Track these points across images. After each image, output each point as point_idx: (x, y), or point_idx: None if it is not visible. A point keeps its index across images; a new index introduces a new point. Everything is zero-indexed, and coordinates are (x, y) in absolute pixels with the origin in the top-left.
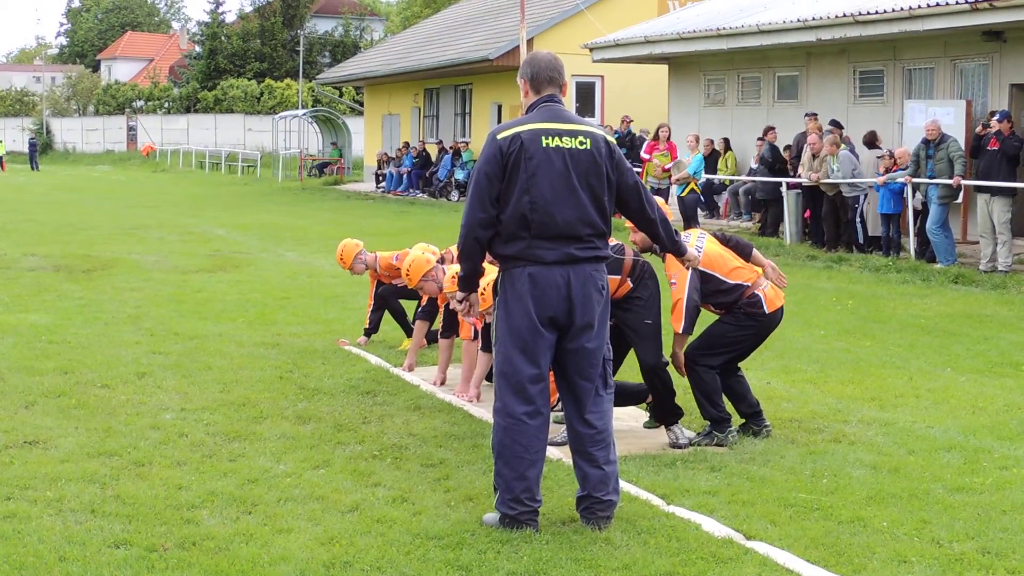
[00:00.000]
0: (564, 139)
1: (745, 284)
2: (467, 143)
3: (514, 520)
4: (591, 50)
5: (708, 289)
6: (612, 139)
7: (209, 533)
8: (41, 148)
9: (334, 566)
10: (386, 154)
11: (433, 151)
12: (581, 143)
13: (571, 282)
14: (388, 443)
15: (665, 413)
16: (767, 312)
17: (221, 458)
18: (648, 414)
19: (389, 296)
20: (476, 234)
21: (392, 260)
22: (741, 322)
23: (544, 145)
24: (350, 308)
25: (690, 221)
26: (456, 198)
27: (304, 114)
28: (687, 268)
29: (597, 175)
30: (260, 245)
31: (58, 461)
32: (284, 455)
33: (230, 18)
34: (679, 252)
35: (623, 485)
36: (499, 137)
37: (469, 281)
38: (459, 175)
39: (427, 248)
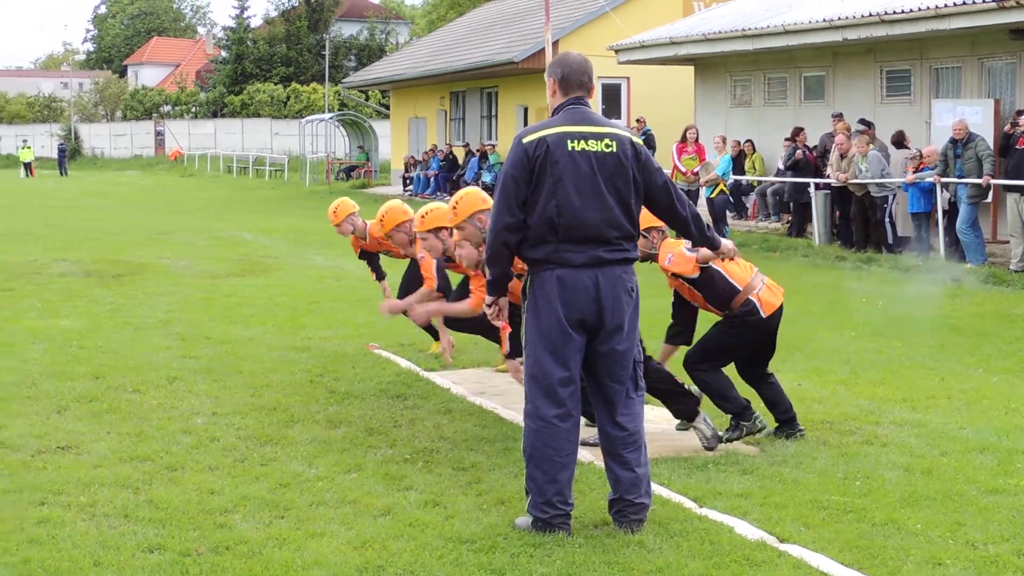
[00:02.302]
0: (590, 142)
1: (737, 287)
2: (493, 146)
3: (546, 524)
4: (616, 52)
5: (705, 281)
6: (638, 140)
7: (242, 537)
8: (70, 154)
9: (367, 570)
10: (413, 157)
11: (460, 154)
12: (607, 146)
13: (600, 284)
14: (419, 447)
15: (682, 409)
16: (764, 316)
17: (253, 462)
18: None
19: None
20: (504, 238)
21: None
22: (738, 328)
23: (570, 149)
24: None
25: (719, 223)
26: None
27: (331, 118)
28: (722, 260)
29: (623, 178)
30: (288, 249)
31: (91, 466)
32: (316, 459)
33: (255, 22)
34: (713, 246)
35: (655, 488)
36: (525, 141)
37: (498, 285)
38: (486, 178)
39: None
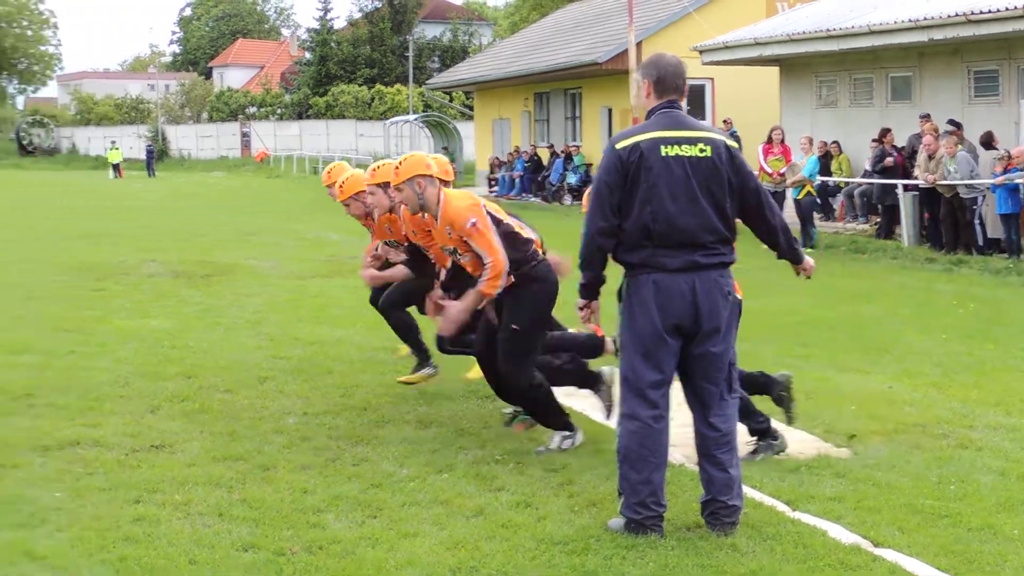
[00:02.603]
0: (683, 147)
1: None
2: (578, 147)
3: (639, 525)
4: (700, 52)
5: None
6: (733, 144)
7: (335, 537)
8: (157, 155)
9: (460, 571)
10: (497, 158)
11: (544, 155)
12: (701, 150)
13: (696, 289)
14: (510, 448)
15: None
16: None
17: (345, 462)
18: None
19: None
20: (598, 243)
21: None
22: None
23: (663, 154)
24: None
25: (807, 224)
26: (569, 202)
27: (415, 119)
28: (801, 276)
29: (718, 182)
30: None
31: (184, 465)
32: (407, 459)
33: (339, 24)
34: (797, 260)
35: (747, 491)
36: (618, 146)
37: (590, 289)
38: (571, 179)
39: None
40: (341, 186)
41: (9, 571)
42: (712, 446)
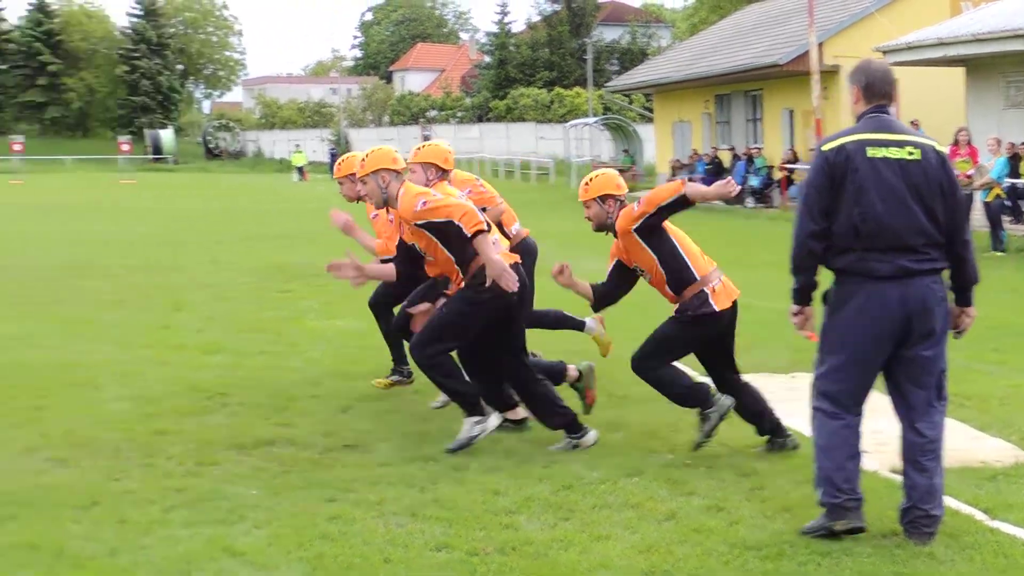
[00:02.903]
0: (891, 149)
1: (695, 274)
2: (759, 149)
3: (840, 508)
4: (884, 53)
5: (667, 251)
6: (943, 149)
7: (528, 538)
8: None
9: (653, 574)
10: (679, 160)
11: (725, 157)
12: (910, 153)
13: (908, 297)
14: (700, 452)
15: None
16: (716, 310)
17: (535, 464)
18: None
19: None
20: (809, 246)
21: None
22: (688, 323)
23: (869, 156)
24: (651, 317)
25: (996, 227)
26: (751, 204)
27: (595, 122)
28: (956, 334)
29: (927, 185)
30: (559, 253)
31: (377, 464)
32: (597, 462)
33: (517, 27)
34: (967, 300)
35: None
36: (824, 149)
37: (803, 294)
38: (753, 182)
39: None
40: (339, 165)
41: (210, 566)
42: (917, 452)
